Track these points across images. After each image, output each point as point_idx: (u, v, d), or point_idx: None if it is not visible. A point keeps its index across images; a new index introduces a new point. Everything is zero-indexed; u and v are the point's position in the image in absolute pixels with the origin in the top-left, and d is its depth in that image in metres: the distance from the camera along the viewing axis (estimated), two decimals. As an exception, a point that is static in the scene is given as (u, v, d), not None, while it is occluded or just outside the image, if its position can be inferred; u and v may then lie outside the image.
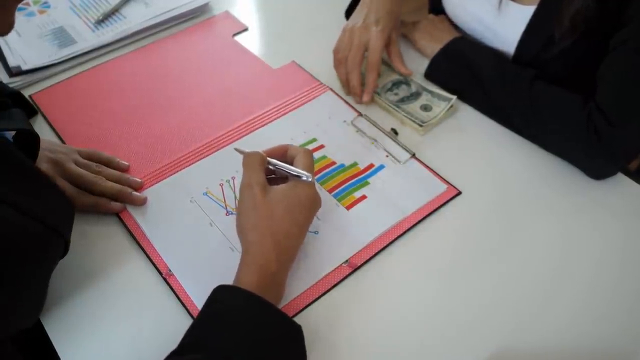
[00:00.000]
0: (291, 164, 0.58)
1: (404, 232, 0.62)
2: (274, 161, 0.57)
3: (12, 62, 0.80)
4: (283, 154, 0.59)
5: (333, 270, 0.58)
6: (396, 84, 0.78)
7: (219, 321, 0.47)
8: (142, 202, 0.63)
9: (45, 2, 0.93)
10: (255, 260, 0.51)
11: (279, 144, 0.60)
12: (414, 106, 0.75)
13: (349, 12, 0.88)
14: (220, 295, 0.49)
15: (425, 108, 0.75)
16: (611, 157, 0.65)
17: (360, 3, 0.80)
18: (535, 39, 0.72)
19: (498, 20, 0.76)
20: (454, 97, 0.74)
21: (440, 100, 0.75)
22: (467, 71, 0.75)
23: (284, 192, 0.55)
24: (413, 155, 0.69)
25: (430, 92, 0.76)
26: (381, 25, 0.75)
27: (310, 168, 0.57)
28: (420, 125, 0.72)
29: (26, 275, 0.44)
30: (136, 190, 0.64)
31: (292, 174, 0.56)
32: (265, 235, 0.52)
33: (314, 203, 0.57)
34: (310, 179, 0.56)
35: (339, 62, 0.78)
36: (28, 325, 0.46)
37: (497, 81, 0.72)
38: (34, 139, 0.57)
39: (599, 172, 0.67)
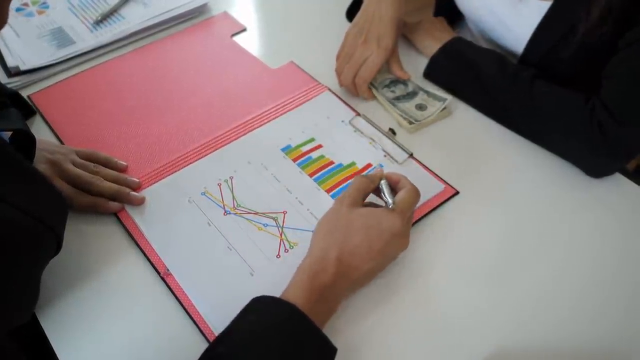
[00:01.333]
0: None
1: (402, 232, 0.62)
2: (384, 183, 0.57)
3: (10, 62, 0.81)
4: (396, 182, 0.58)
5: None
6: (394, 82, 0.78)
7: (246, 336, 0.46)
8: (140, 202, 0.63)
9: (44, 3, 0.94)
10: (312, 265, 0.51)
11: (398, 173, 0.59)
12: (410, 105, 0.75)
13: (349, 13, 0.88)
14: (256, 306, 0.48)
15: (420, 107, 0.75)
16: (614, 154, 0.65)
17: (363, 10, 0.78)
18: (549, 35, 0.72)
19: (512, 14, 0.75)
20: (450, 97, 0.75)
21: (436, 100, 0.75)
22: (466, 70, 0.75)
23: (368, 211, 0.54)
24: (411, 155, 0.69)
25: (427, 92, 0.77)
26: (384, 43, 0.75)
27: (405, 204, 0.55)
28: (411, 123, 0.72)
29: (20, 272, 0.44)
30: (134, 190, 0.64)
31: (383, 198, 0.57)
32: (331, 244, 0.51)
33: (396, 238, 0.53)
34: (391, 206, 0.55)
35: (338, 72, 0.79)
36: (21, 322, 0.46)
37: (497, 80, 0.72)
38: (31, 139, 0.57)
39: (600, 169, 0.67)
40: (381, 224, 0.53)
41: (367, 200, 0.59)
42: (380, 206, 0.57)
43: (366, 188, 0.56)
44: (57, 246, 0.51)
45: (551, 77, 0.70)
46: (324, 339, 0.47)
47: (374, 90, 0.77)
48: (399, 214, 0.54)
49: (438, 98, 0.75)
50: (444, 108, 0.74)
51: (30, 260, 0.46)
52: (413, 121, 0.73)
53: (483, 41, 0.86)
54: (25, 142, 0.57)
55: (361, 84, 0.76)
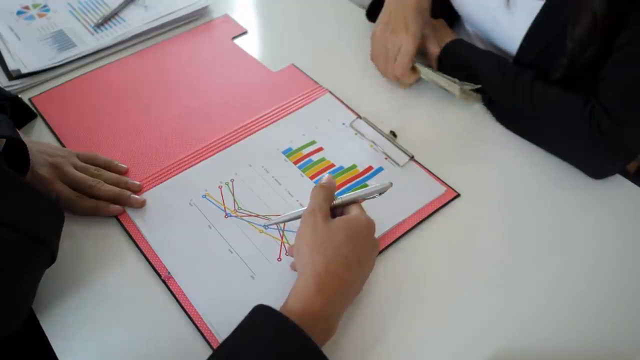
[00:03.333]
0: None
1: (403, 235, 0.62)
2: (342, 196, 0.56)
3: (11, 65, 0.81)
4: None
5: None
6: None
7: (245, 347, 0.45)
8: (140, 205, 0.63)
9: (45, 6, 0.94)
10: (306, 286, 0.49)
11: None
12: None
13: (369, 13, 0.88)
14: (256, 317, 0.47)
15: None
16: (613, 155, 0.65)
17: (386, 7, 0.80)
18: (541, 35, 0.72)
19: (506, 15, 0.76)
20: (479, 85, 0.75)
21: (467, 85, 0.76)
22: (467, 72, 0.75)
23: (346, 219, 0.53)
24: (412, 158, 0.69)
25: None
26: (411, 28, 0.76)
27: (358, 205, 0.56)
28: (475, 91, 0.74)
29: (4, 286, 0.44)
30: (135, 193, 0.64)
31: (371, 192, 0.55)
32: (319, 259, 0.49)
33: (374, 246, 0.54)
34: (388, 188, 0.55)
35: (382, 73, 0.81)
36: (4, 333, 0.46)
37: (497, 82, 0.72)
38: (23, 147, 0.56)
39: (600, 170, 0.67)
40: (361, 228, 0.53)
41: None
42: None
43: (331, 197, 0.56)
44: (51, 257, 0.51)
45: (546, 76, 0.70)
46: (314, 350, 0.45)
47: (418, 66, 0.78)
48: (362, 210, 0.55)
49: (468, 85, 0.76)
50: (477, 90, 0.75)
51: (17, 274, 0.45)
52: (462, 87, 0.74)
53: (479, 42, 0.86)
54: (19, 150, 0.56)
55: (400, 74, 0.78)
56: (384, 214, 0.62)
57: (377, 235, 0.58)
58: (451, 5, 0.87)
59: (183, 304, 0.55)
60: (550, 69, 0.70)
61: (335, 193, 0.57)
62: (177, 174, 0.67)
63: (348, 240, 0.51)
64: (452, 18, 0.89)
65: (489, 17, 0.79)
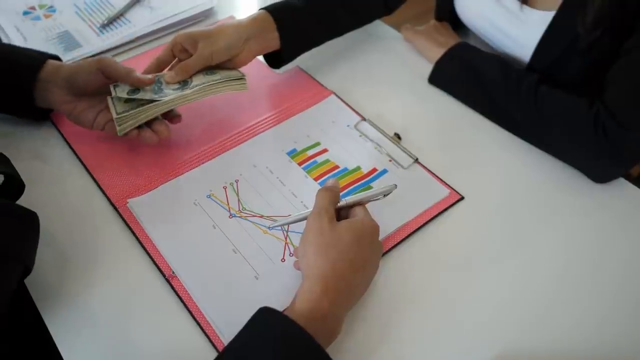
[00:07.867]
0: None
1: (406, 237, 0.62)
2: (347, 198, 0.56)
3: (17, 65, 0.81)
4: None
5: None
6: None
7: (251, 351, 0.45)
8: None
9: (51, 7, 0.94)
10: (312, 289, 0.49)
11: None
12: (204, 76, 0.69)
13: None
14: (261, 321, 0.47)
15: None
16: (617, 159, 0.65)
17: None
18: (554, 45, 0.72)
19: (514, 25, 0.76)
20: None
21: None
22: (470, 75, 0.76)
23: (352, 222, 0.53)
24: (416, 160, 0.69)
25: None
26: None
27: (363, 207, 0.56)
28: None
29: None
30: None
31: (375, 194, 0.57)
32: (326, 262, 0.50)
33: (378, 249, 0.55)
34: (393, 190, 0.58)
35: None
36: None
37: (501, 85, 0.72)
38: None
39: (604, 173, 0.67)
40: (366, 230, 0.53)
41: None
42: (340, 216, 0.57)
43: (336, 199, 0.56)
44: (24, 270, 0.51)
45: (557, 83, 0.70)
46: (321, 354, 0.45)
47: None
48: (367, 213, 0.56)
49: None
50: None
51: None
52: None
53: (484, 45, 0.86)
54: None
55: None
56: (387, 216, 0.62)
57: (381, 237, 0.58)
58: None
59: (187, 303, 0.55)
60: (563, 76, 0.71)
61: (340, 195, 0.57)
62: (182, 173, 0.67)
63: (354, 243, 0.51)
64: (457, 21, 0.90)
65: (494, 30, 0.79)
